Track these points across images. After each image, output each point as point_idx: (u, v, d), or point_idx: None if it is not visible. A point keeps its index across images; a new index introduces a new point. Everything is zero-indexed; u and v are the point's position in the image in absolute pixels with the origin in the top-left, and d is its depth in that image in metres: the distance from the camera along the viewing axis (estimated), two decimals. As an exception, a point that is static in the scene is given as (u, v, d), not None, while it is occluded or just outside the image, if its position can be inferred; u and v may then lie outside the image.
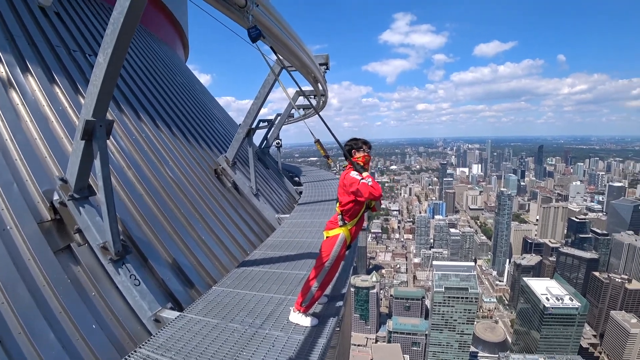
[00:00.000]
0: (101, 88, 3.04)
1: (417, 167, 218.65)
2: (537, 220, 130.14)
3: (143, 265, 4.09)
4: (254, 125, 8.02)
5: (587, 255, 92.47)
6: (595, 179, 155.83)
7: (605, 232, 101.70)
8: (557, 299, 68.80)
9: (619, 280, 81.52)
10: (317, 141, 3.47)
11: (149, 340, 2.94)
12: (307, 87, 12.25)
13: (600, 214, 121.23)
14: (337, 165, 3.64)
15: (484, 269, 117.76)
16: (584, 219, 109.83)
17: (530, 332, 72.40)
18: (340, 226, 3.17)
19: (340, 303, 3.68)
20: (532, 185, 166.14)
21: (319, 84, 9.01)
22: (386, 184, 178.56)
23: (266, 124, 15.00)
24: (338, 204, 3.23)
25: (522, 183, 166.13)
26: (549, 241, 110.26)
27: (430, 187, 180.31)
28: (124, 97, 6.52)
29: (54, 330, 2.83)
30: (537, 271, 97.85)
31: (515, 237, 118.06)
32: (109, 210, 3.38)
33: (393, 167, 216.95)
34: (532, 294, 72.22)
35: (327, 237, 3.24)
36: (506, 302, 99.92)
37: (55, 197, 3.60)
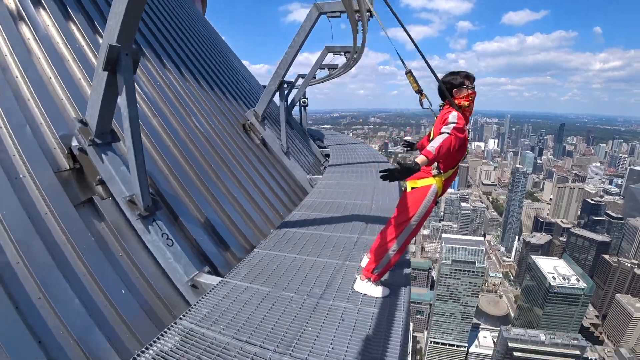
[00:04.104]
0: (127, 7, 2.42)
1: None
2: (550, 199, 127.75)
3: (173, 223, 3.64)
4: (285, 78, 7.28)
5: (599, 237, 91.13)
6: (617, 162, 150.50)
7: (620, 215, 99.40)
8: (563, 278, 68.51)
9: (629, 265, 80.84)
10: (409, 72, 2.71)
11: (190, 311, 2.49)
12: (335, 44, 11.62)
13: (617, 197, 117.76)
14: (430, 103, 2.70)
15: (492, 244, 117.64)
16: (600, 201, 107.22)
17: (533, 309, 73.03)
18: (434, 175, 2.54)
19: (407, 270, 3.16)
20: (549, 164, 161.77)
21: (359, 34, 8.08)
22: (399, 155, 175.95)
23: (286, 86, 14.22)
24: None
25: (539, 161, 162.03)
26: (561, 221, 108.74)
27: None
28: (145, 40, 5.87)
29: (79, 294, 2.38)
30: (545, 250, 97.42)
31: (526, 215, 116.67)
32: (136, 158, 2.86)
33: (407, 137, 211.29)
34: (538, 272, 72.05)
35: (412, 188, 2.63)
36: (512, 278, 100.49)
37: (74, 142, 3.08)
